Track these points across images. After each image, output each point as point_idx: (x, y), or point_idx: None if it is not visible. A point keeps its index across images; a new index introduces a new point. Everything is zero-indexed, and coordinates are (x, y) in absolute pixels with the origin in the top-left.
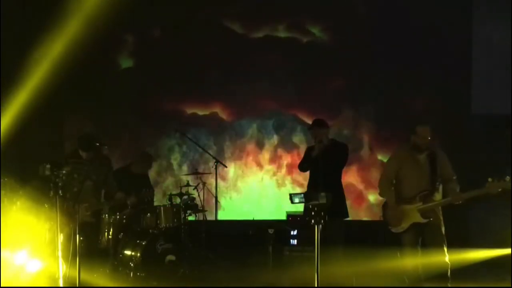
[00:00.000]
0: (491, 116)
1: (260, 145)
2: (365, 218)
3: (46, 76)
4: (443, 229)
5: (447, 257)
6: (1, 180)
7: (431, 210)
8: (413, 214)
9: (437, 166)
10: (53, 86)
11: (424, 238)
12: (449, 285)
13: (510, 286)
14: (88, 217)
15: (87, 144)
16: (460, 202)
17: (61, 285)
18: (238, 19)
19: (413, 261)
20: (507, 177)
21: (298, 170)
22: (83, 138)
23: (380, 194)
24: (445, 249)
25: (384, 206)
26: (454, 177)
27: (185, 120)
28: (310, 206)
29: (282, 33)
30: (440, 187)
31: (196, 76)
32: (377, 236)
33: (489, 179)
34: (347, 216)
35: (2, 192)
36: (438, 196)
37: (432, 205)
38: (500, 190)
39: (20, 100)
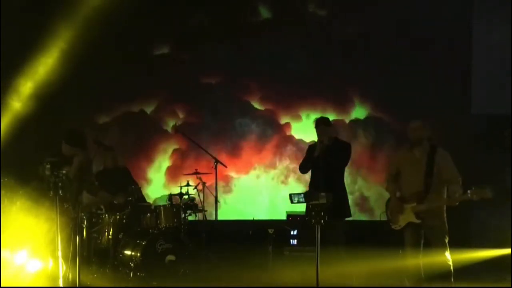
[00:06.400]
0: (491, 116)
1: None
2: None
3: (46, 76)
4: (446, 234)
5: (450, 260)
6: (1, 180)
7: (428, 211)
8: (408, 214)
9: (434, 166)
10: (53, 86)
11: (426, 240)
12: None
13: (510, 286)
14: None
15: (77, 139)
16: (456, 204)
17: (61, 285)
18: None
19: (415, 261)
20: (488, 187)
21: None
22: (73, 131)
23: (386, 189)
24: (447, 253)
25: (387, 203)
26: (459, 179)
27: None
28: (310, 206)
29: None
30: (444, 189)
31: None
32: (377, 236)
33: (473, 188)
34: (350, 216)
35: (2, 192)
36: (436, 197)
37: (425, 206)
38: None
39: (20, 100)
